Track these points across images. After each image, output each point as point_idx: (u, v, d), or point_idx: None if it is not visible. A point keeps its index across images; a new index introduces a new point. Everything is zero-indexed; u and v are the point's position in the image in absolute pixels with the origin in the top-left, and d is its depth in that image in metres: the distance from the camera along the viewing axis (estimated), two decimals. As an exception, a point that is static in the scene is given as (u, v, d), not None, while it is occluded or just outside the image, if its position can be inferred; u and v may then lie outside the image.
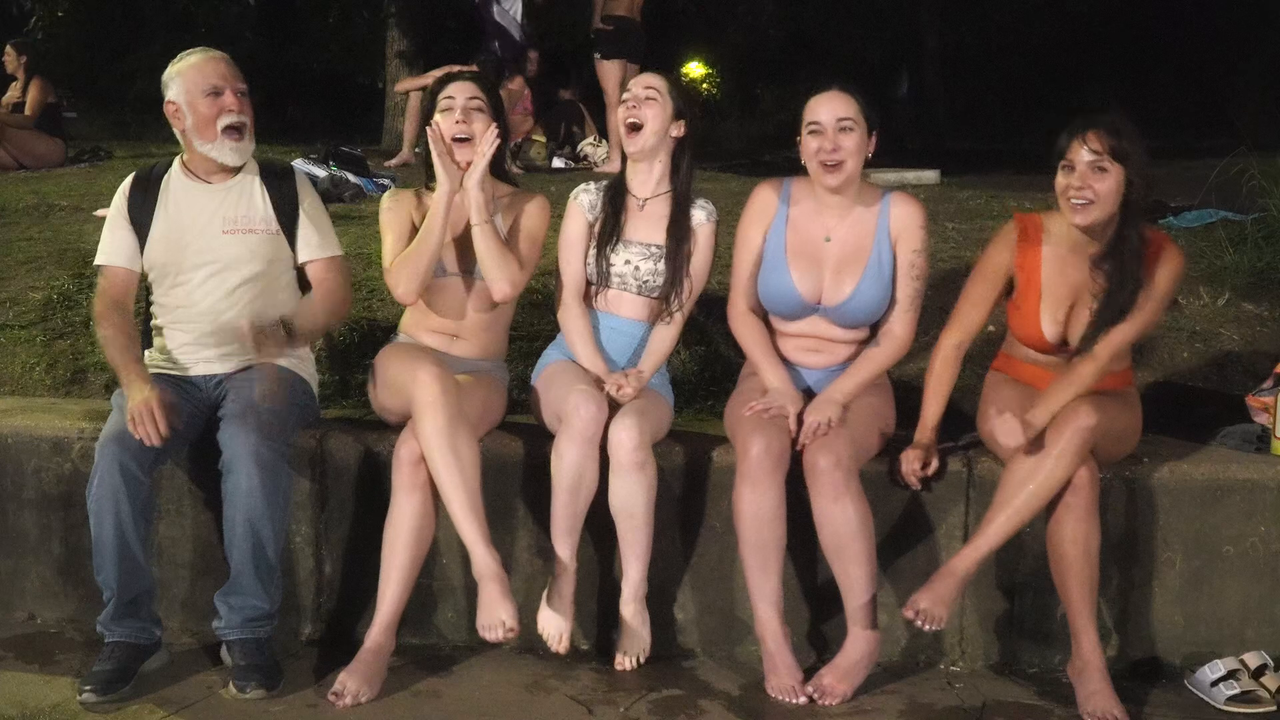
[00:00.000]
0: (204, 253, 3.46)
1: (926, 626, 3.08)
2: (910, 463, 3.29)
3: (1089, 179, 3.11)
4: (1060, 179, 3.17)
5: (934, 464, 3.31)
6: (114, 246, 3.51)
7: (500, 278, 3.42)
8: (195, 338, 3.48)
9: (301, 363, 3.56)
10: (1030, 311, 3.28)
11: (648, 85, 3.48)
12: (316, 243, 3.54)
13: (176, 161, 3.55)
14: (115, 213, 3.53)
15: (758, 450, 3.15)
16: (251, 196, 3.51)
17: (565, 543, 3.29)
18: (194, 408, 3.42)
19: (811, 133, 3.31)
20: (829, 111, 3.30)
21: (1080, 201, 3.13)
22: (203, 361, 3.48)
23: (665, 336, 3.51)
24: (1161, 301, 3.22)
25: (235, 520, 3.23)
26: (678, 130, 3.49)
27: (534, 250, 3.55)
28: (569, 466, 3.23)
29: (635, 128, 3.46)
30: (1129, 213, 3.15)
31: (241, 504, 3.21)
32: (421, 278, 3.43)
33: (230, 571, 3.28)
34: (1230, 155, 5.29)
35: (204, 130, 3.42)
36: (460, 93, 3.49)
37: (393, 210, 3.56)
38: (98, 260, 3.52)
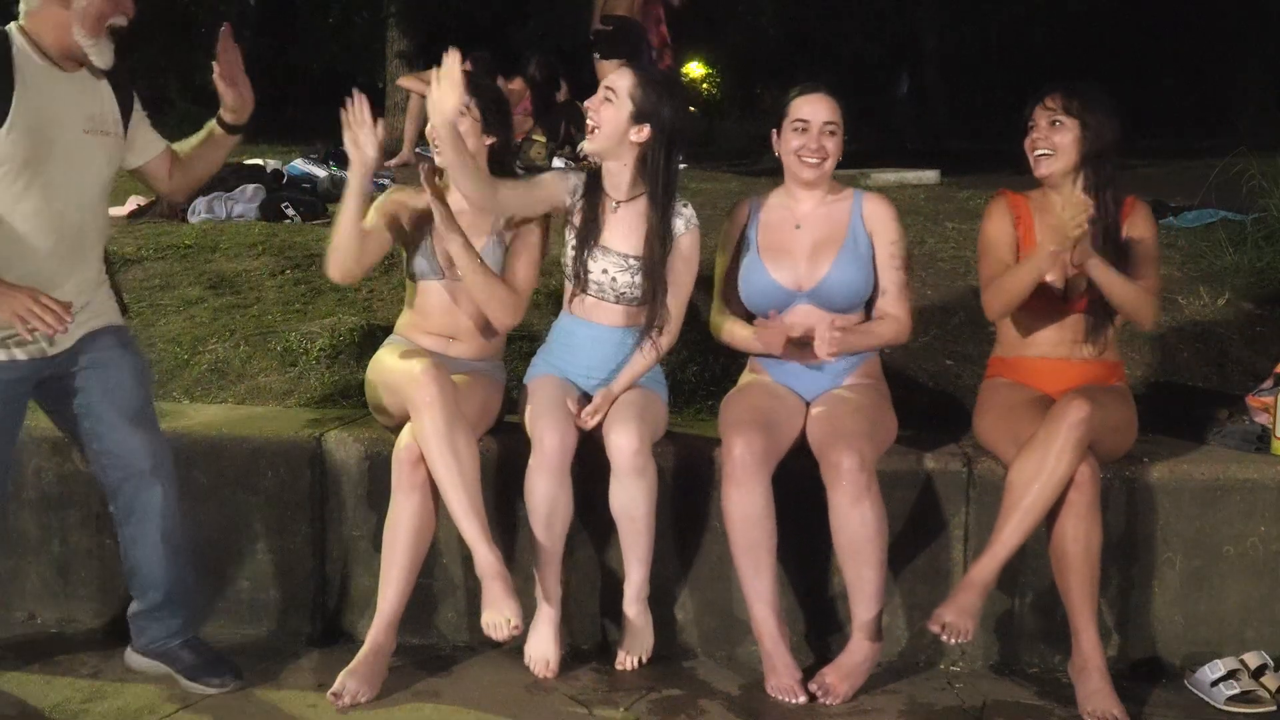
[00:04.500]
0: (68, 153, 3.03)
1: (953, 640, 3.09)
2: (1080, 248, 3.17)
3: (1048, 133, 3.34)
4: (1026, 141, 3.39)
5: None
6: None
7: (500, 314, 3.41)
8: (48, 259, 3.02)
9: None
10: None
11: (608, 85, 3.38)
12: (155, 139, 3.32)
13: (16, 33, 3.02)
14: None
15: (740, 450, 3.16)
16: (104, 95, 3.13)
17: (549, 570, 3.29)
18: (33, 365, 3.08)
19: (797, 130, 3.38)
20: (816, 113, 3.38)
21: (1040, 153, 3.35)
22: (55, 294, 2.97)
23: (643, 359, 3.41)
24: (1156, 251, 3.39)
25: (149, 539, 3.18)
26: (638, 135, 3.34)
27: (534, 270, 3.52)
28: (540, 498, 3.23)
29: (589, 129, 3.40)
30: (1093, 168, 3.32)
31: (160, 522, 3.17)
32: (341, 260, 3.40)
33: (152, 589, 3.22)
34: (1230, 155, 5.30)
35: (91, 22, 3.00)
36: None
37: (388, 197, 3.58)
38: None
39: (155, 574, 3.22)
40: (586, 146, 3.42)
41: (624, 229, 3.42)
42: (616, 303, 3.43)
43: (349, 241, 3.39)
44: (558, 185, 3.49)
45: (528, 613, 3.29)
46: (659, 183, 3.37)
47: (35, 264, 2.99)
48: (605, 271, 3.40)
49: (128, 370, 3.20)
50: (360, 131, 3.29)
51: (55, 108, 3.00)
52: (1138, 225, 3.36)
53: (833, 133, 3.38)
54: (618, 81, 3.37)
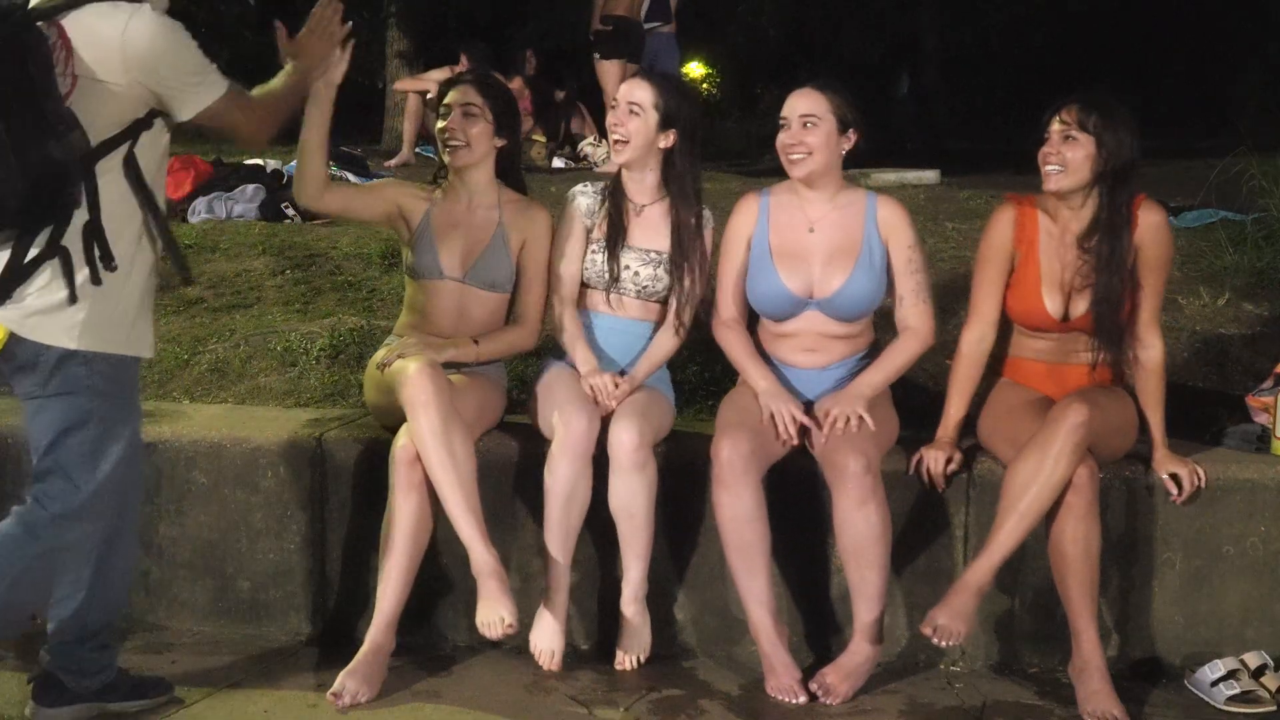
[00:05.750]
0: None
1: (944, 643, 3.09)
2: (936, 462, 3.30)
3: (1060, 147, 3.23)
4: (1040, 151, 3.28)
5: (956, 461, 3.32)
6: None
7: (522, 349, 3.59)
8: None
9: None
10: (1031, 289, 3.31)
11: (631, 100, 3.44)
12: None
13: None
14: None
15: (727, 453, 3.16)
16: None
17: (560, 555, 3.29)
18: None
19: (780, 128, 3.39)
20: (793, 108, 3.38)
21: (1050, 168, 3.24)
22: None
23: (664, 344, 3.50)
24: (1164, 263, 3.32)
25: (129, 544, 3.00)
26: (666, 141, 3.45)
27: (544, 281, 3.53)
28: (561, 481, 3.23)
29: (619, 142, 3.46)
30: (1105, 187, 3.23)
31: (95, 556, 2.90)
32: (307, 177, 3.35)
33: (119, 608, 3.05)
34: (1230, 155, 5.30)
35: None
36: (455, 99, 3.49)
37: (388, 181, 3.60)
38: (227, 84, 2.83)
39: (125, 589, 3.07)
40: (616, 159, 3.49)
41: (647, 229, 3.50)
42: (637, 297, 3.48)
43: (317, 165, 3.35)
44: (577, 226, 3.50)
45: (530, 607, 3.30)
46: (687, 180, 3.47)
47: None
48: (628, 267, 3.46)
49: None
50: (326, 43, 3.13)
51: None
52: (1143, 233, 3.26)
53: (812, 125, 3.34)
54: (637, 94, 3.45)
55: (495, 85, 3.62)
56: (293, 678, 3.29)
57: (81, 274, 2.68)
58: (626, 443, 3.22)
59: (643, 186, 3.52)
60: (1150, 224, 3.27)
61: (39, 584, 2.87)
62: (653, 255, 3.47)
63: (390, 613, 3.21)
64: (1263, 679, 3.18)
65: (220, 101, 2.78)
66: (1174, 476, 3.25)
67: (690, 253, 3.46)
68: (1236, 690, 3.14)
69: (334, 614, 3.59)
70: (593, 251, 3.49)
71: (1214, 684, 3.17)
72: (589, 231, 3.51)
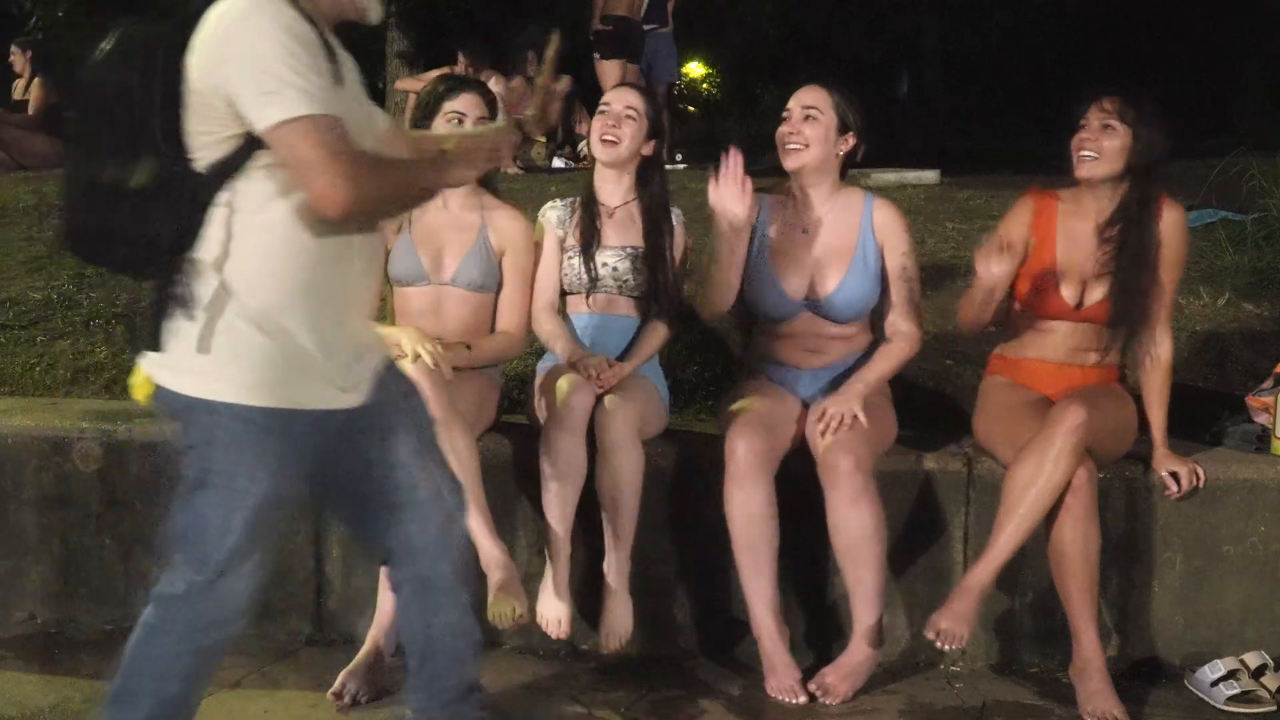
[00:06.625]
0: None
1: (947, 647, 3.10)
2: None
3: (1098, 135, 3.25)
4: (1074, 138, 3.29)
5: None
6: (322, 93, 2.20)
7: (513, 353, 3.63)
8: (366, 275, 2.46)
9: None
10: (1047, 275, 3.32)
11: (628, 105, 3.54)
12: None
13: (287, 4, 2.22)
14: (304, 46, 2.20)
15: (743, 450, 3.16)
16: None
17: (560, 529, 3.29)
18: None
19: (782, 121, 3.41)
20: (797, 100, 3.41)
21: (1085, 153, 3.26)
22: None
23: (653, 333, 3.53)
24: (1180, 261, 3.36)
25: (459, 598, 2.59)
26: (648, 149, 3.58)
27: (528, 287, 3.55)
28: (558, 453, 3.25)
29: (610, 143, 3.53)
30: (1133, 181, 3.26)
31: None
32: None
33: None
34: (1230, 155, 5.30)
35: None
36: (470, 109, 3.47)
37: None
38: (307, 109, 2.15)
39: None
40: (605, 154, 3.55)
41: (620, 228, 3.56)
42: (619, 293, 3.52)
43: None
44: (551, 241, 3.58)
45: (530, 608, 3.30)
46: (659, 185, 3.59)
47: (364, 288, 2.45)
48: (605, 264, 3.51)
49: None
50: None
51: (357, 105, 2.39)
52: (1165, 229, 3.29)
53: (813, 118, 3.36)
54: (633, 100, 3.57)
55: (490, 93, 3.66)
56: (293, 678, 3.29)
57: (200, 320, 2.25)
58: (609, 425, 3.24)
59: (617, 189, 3.58)
60: (1171, 221, 3.30)
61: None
62: (628, 250, 3.52)
63: (391, 613, 3.20)
64: (1263, 679, 3.18)
65: (290, 128, 2.12)
66: (1173, 475, 3.26)
67: (664, 245, 3.54)
68: (1236, 690, 3.14)
69: (334, 614, 3.59)
70: (569, 258, 3.54)
71: (1214, 684, 3.17)
72: (562, 241, 3.57)
